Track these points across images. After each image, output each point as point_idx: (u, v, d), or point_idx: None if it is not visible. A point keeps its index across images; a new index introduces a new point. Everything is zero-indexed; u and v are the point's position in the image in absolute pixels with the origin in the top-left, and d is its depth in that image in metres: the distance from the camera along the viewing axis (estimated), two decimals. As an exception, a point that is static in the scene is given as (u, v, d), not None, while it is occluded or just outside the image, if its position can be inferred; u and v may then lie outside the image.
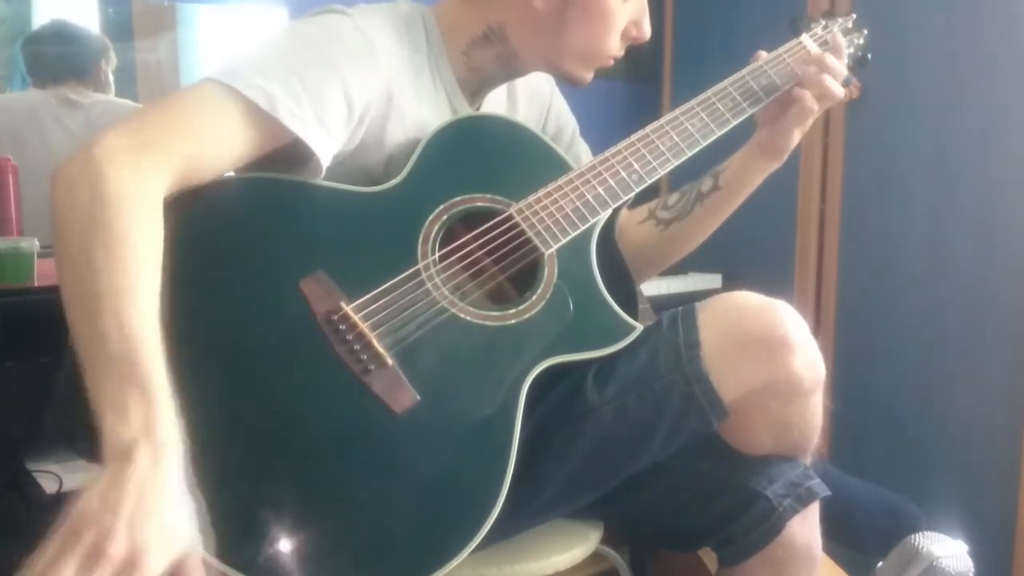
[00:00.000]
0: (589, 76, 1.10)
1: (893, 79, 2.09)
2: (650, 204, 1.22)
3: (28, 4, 1.97)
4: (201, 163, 0.86)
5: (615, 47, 1.08)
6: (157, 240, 0.80)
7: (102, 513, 0.66)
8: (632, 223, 1.23)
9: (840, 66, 1.11)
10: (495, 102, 1.17)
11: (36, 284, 1.33)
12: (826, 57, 1.10)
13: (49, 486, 1.34)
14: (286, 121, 0.88)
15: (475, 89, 1.11)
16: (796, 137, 1.11)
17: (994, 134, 1.93)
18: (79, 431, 0.87)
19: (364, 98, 0.96)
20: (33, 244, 1.35)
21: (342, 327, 0.87)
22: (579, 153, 1.23)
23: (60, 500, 1.31)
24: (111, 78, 1.96)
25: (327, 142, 0.93)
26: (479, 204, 1.00)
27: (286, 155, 0.93)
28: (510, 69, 1.10)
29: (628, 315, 0.99)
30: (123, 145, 0.81)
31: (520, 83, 1.21)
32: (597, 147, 1.24)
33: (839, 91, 1.10)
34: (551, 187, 1.02)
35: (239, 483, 0.80)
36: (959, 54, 1.99)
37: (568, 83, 1.11)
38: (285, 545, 0.79)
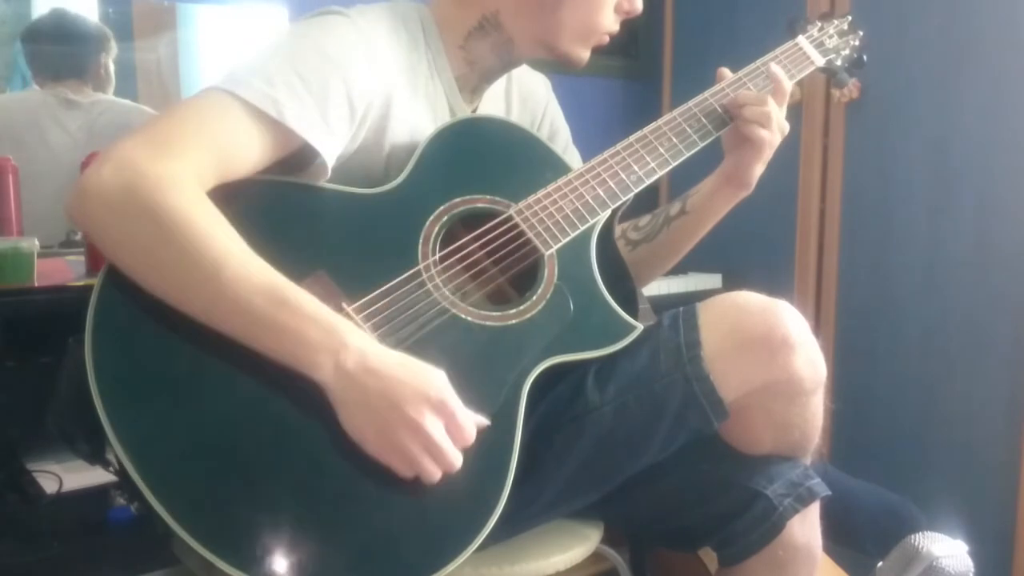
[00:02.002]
0: (586, 55, 1.10)
1: (892, 79, 2.09)
2: (624, 224, 1.22)
3: (28, 4, 1.97)
4: (215, 170, 0.87)
5: (609, 22, 1.08)
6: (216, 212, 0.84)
7: (377, 421, 0.79)
8: None
9: (781, 104, 1.09)
10: (493, 105, 1.17)
11: (36, 284, 1.33)
12: (768, 98, 1.08)
13: (49, 486, 1.34)
14: (293, 125, 0.89)
15: (474, 85, 1.11)
16: (757, 169, 1.11)
17: (994, 134, 1.93)
18: (79, 434, 0.87)
19: (365, 97, 0.96)
20: (33, 244, 1.35)
21: None
22: (571, 161, 1.23)
23: (60, 500, 1.32)
24: (112, 69, 1.95)
25: (332, 143, 0.93)
26: (479, 205, 1.00)
27: (290, 157, 0.93)
28: (508, 58, 1.10)
29: (628, 315, 0.99)
30: (143, 154, 0.83)
31: (516, 85, 1.21)
32: (597, 147, 1.23)
33: (783, 127, 1.09)
34: (550, 188, 1.02)
35: (241, 485, 0.80)
36: (959, 54, 1.99)
37: (566, 64, 1.10)
38: (286, 545, 0.78)
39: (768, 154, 1.10)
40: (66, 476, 1.35)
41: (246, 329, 0.80)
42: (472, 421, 0.83)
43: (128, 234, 0.82)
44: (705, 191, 1.15)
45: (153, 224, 0.80)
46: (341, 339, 0.80)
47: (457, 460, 0.82)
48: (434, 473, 0.81)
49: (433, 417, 0.80)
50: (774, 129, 1.08)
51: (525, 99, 1.22)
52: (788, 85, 1.10)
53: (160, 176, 0.81)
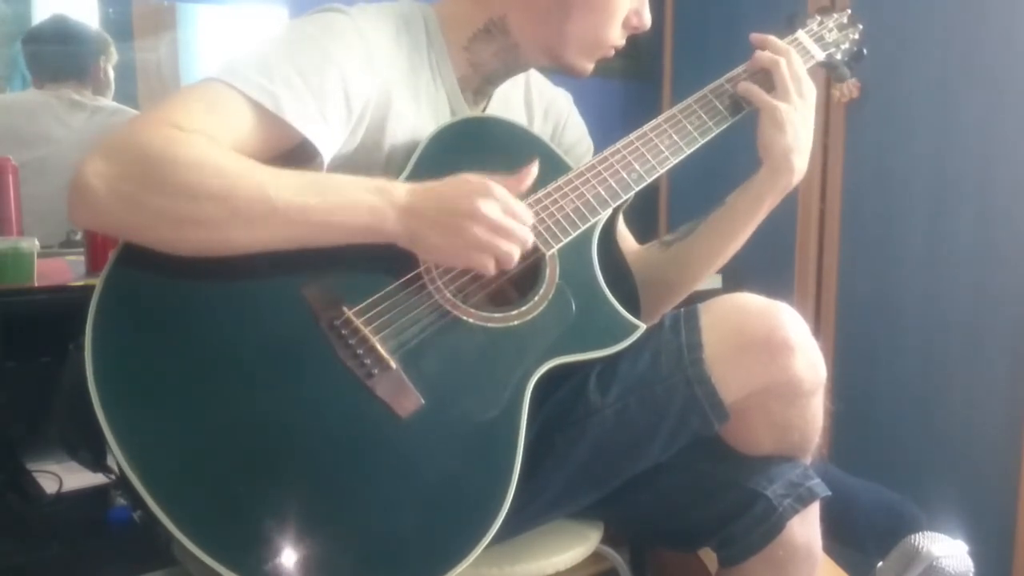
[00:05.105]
0: (590, 67, 1.10)
1: (892, 79, 2.09)
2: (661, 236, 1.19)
3: (28, 4, 1.98)
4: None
5: (616, 36, 1.08)
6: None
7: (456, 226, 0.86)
8: (639, 252, 1.20)
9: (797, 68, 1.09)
10: (514, 111, 1.16)
11: (36, 284, 1.33)
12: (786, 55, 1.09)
13: (49, 486, 1.35)
14: (291, 119, 0.88)
15: (477, 87, 1.11)
16: (776, 142, 1.05)
17: (994, 134, 1.93)
18: (80, 441, 0.87)
19: (363, 96, 0.96)
20: (33, 244, 1.35)
21: (345, 332, 0.87)
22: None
23: (60, 500, 1.32)
24: (111, 75, 1.96)
25: (330, 139, 0.93)
26: None
27: (286, 153, 0.93)
28: (512, 63, 1.10)
29: (630, 314, 0.99)
30: (143, 132, 0.82)
31: (537, 95, 1.20)
32: (597, 147, 1.23)
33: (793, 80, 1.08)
34: (551, 187, 1.01)
35: (245, 490, 0.80)
36: (959, 54, 1.99)
37: (569, 74, 1.10)
38: (292, 551, 0.78)
39: (778, 123, 1.05)
40: (66, 476, 1.35)
41: (309, 228, 0.84)
42: (522, 204, 0.90)
43: (156, 211, 0.81)
44: (746, 183, 1.11)
45: (179, 188, 0.80)
46: (387, 189, 0.87)
47: (525, 234, 0.89)
48: (510, 252, 0.88)
49: (485, 200, 0.86)
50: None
51: (547, 110, 1.21)
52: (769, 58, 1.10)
53: (165, 138, 0.81)
